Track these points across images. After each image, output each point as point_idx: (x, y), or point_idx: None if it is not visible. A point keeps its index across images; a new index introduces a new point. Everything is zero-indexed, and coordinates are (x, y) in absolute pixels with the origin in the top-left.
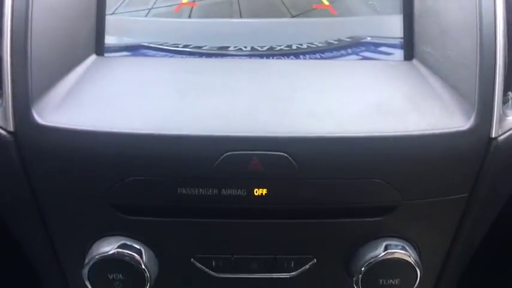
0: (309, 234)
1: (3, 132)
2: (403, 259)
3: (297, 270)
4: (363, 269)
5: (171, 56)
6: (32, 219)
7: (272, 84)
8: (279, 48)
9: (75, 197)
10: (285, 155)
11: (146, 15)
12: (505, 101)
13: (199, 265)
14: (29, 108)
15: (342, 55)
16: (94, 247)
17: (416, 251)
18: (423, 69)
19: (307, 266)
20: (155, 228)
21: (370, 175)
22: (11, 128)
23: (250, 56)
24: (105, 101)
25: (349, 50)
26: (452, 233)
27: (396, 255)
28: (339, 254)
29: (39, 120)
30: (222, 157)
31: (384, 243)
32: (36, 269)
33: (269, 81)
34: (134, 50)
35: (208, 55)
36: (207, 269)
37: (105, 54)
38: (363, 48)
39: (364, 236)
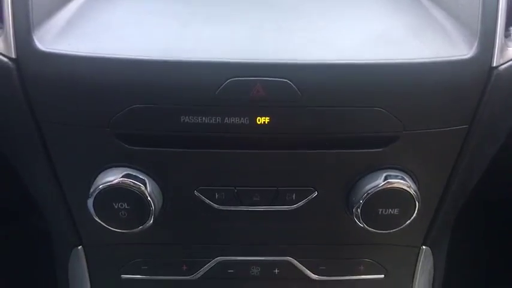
0: (310, 165)
1: (5, 59)
2: (402, 189)
3: (298, 202)
4: (362, 199)
5: None
6: (36, 152)
7: (276, 14)
8: None
9: (79, 127)
10: (288, 81)
11: None
12: (506, 35)
13: (202, 197)
14: (30, 34)
15: None
16: (99, 178)
17: (415, 183)
18: (425, 0)
19: (308, 199)
20: (159, 158)
21: (371, 103)
22: (13, 55)
23: None
24: (107, 29)
25: None
26: (450, 167)
27: (395, 185)
28: (339, 186)
29: (41, 46)
30: (224, 83)
31: (384, 174)
32: (41, 206)
33: (273, 10)
34: None
35: None
36: (210, 202)
37: None
38: None
39: (365, 168)
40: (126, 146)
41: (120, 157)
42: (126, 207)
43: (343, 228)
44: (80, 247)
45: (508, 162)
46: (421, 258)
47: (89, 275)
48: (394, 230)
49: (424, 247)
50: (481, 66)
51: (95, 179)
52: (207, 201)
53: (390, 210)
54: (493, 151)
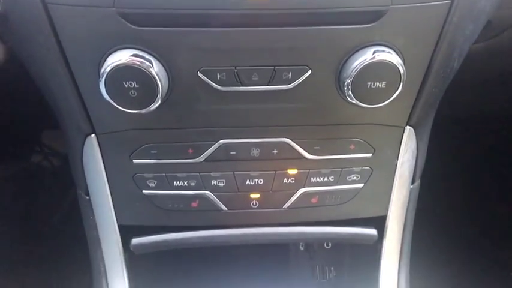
0: (303, 43)
1: None
2: (389, 61)
3: (294, 82)
4: (352, 73)
5: None
6: (46, 37)
7: None
8: None
9: (85, 7)
10: None
11: None
12: None
13: (205, 79)
14: None
15: None
16: (108, 59)
17: (401, 59)
18: None
19: (303, 78)
20: (163, 38)
21: None
22: None
23: None
24: None
25: None
26: (433, 44)
27: (382, 58)
28: (331, 64)
29: None
30: None
31: (372, 49)
32: (54, 97)
33: None
34: None
35: None
36: (212, 83)
37: None
38: None
39: (355, 44)
40: (132, 26)
41: (127, 38)
42: (135, 86)
43: (336, 108)
44: (92, 135)
45: None
46: (405, 137)
47: (103, 162)
48: (381, 104)
49: (408, 127)
50: None
51: (104, 61)
52: (210, 82)
53: (378, 83)
54: (472, 35)
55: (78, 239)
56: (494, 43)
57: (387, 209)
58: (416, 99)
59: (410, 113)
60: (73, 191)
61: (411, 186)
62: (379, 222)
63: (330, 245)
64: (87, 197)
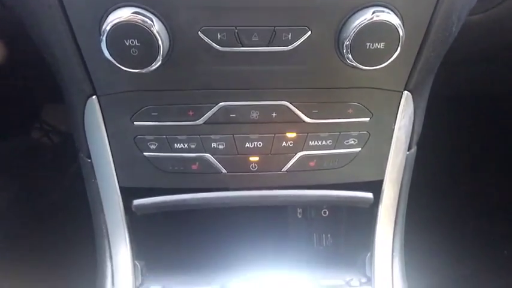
0: (304, 1)
1: None
2: (388, 21)
3: (294, 43)
4: (351, 33)
5: None
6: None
7: None
8: None
9: None
10: None
11: None
12: None
13: (205, 38)
14: None
15: None
16: (109, 17)
17: (400, 20)
18: None
19: (303, 39)
20: None
21: None
22: None
23: None
24: None
25: None
26: (432, 6)
27: (382, 18)
28: (331, 25)
29: None
30: None
31: (372, 10)
32: (55, 58)
33: None
34: None
35: None
36: (212, 43)
37: None
38: None
39: (355, 5)
40: None
41: None
42: (136, 44)
43: (335, 71)
44: (94, 97)
45: None
46: (403, 102)
47: (104, 124)
48: (380, 66)
49: (406, 92)
50: None
51: (105, 18)
52: (210, 42)
53: (377, 44)
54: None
55: (79, 214)
56: (492, 14)
57: (383, 174)
58: (414, 63)
59: (408, 77)
60: (73, 168)
61: (407, 152)
62: (376, 187)
63: (327, 213)
64: (89, 160)
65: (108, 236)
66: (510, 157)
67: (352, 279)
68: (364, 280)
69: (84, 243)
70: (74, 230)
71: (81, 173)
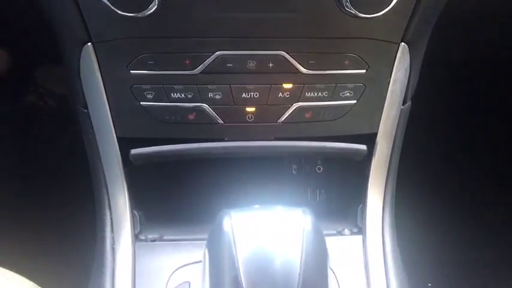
0: None
1: None
2: None
3: None
4: None
5: None
6: None
7: None
8: None
9: None
10: None
11: None
12: None
13: None
14: None
15: None
16: None
17: None
18: None
19: None
20: None
21: None
22: None
23: None
24: None
25: None
26: None
27: None
28: None
29: None
30: None
31: None
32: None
33: None
34: None
35: None
36: None
37: None
38: None
39: None
40: None
41: None
42: None
43: (333, 20)
44: (89, 44)
45: None
46: (399, 54)
47: (100, 73)
48: (378, 14)
49: (402, 44)
50: None
51: None
52: None
53: None
54: None
55: (77, 175)
56: None
57: (377, 127)
58: (412, 13)
59: (406, 28)
60: (70, 131)
61: (402, 107)
62: (370, 140)
63: (321, 169)
64: (86, 110)
65: (107, 186)
66: (503, 117)
67: (343, 229)
68: (355, 230)
69: (84, 201)
70: (73, 191)
71: (80, 134)
